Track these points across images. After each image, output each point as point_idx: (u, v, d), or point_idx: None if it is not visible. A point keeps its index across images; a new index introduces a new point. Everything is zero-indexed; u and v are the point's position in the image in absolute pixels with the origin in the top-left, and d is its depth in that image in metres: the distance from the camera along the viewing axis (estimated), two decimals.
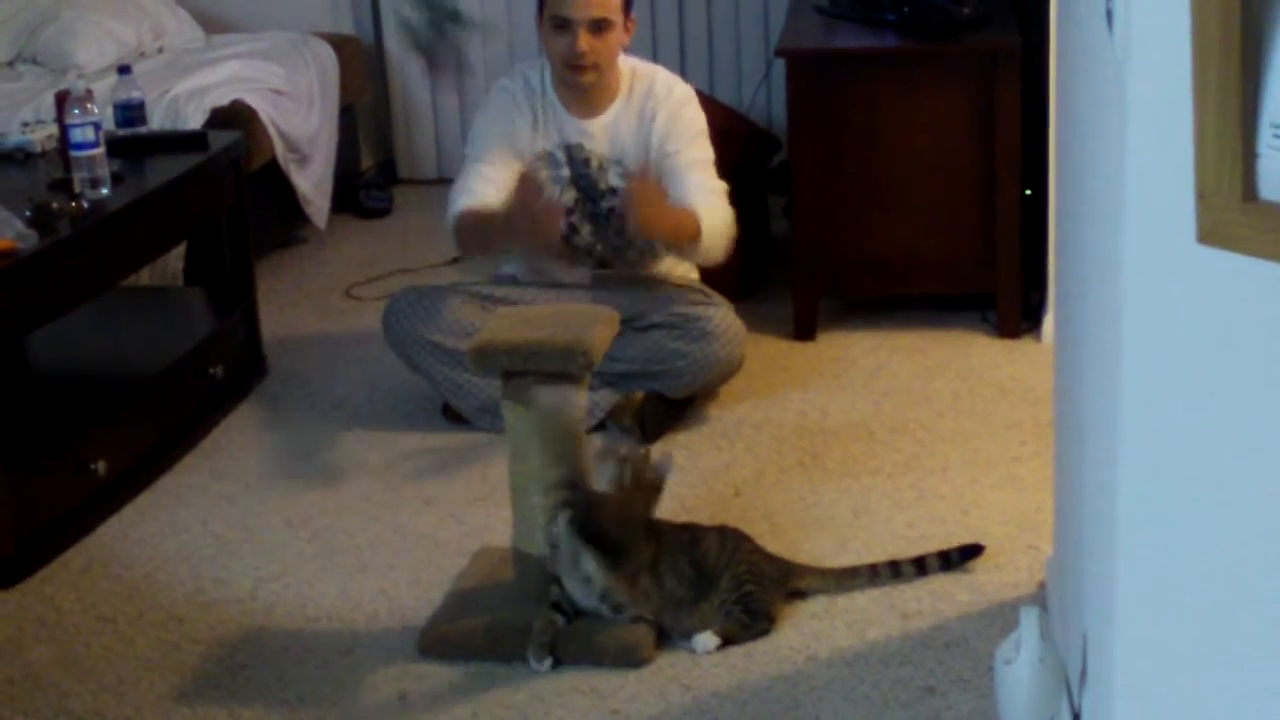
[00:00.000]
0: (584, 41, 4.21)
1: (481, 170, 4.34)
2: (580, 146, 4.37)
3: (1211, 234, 1.46)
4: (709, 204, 4.25)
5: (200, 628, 3.46)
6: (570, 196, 4.40)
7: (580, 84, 4.29)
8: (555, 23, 4.24)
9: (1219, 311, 1.60)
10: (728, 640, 3.27)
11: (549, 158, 4.39)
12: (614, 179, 4.38)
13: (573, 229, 4.42)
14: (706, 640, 3.26)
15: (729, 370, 4.33)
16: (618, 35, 4.27)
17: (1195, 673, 1.76)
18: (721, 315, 4.30)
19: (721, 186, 4.35)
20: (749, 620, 3.29)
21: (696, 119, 4.38)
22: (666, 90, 4.37)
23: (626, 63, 4.40)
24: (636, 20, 4.38)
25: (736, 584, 3.30)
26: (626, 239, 4.39)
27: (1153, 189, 1.60)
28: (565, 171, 4.38)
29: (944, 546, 3.57)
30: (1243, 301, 1.58)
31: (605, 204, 4.40)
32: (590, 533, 3.22)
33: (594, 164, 4.37)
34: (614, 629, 3.27)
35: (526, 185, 4.13)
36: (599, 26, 4.22)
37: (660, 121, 4.33)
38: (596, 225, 4.43)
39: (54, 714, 3.17)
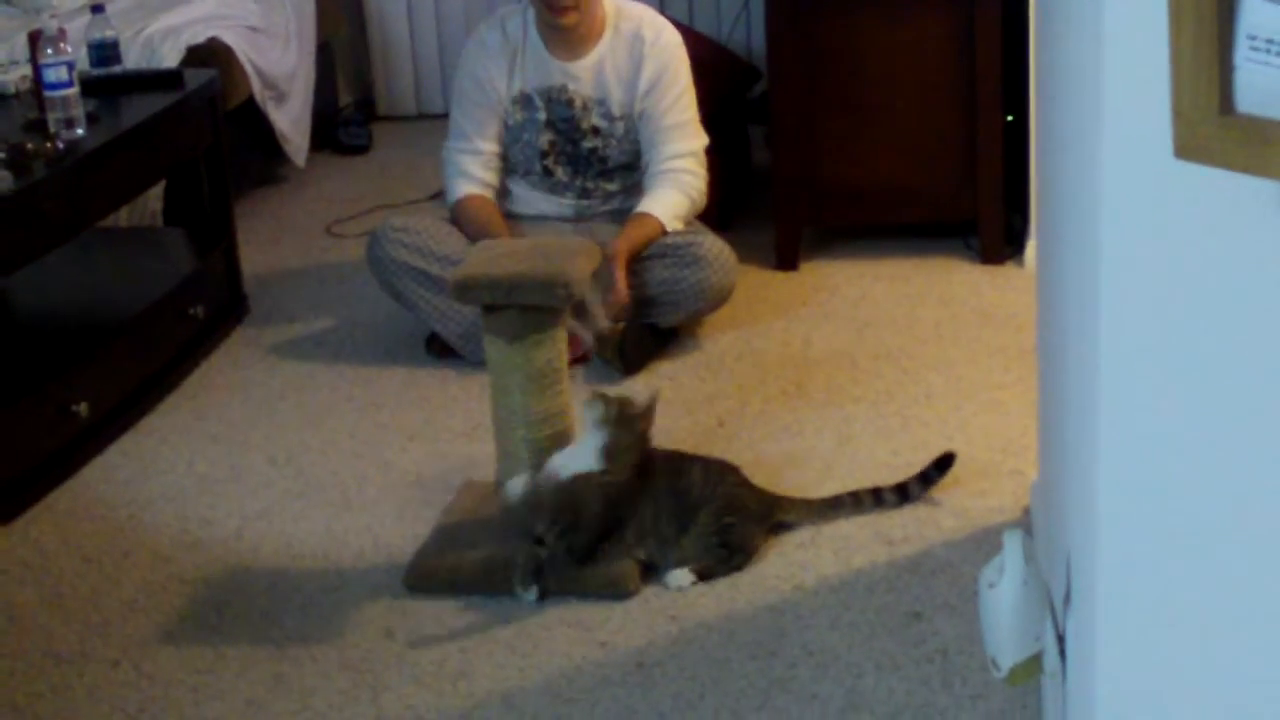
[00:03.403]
0: None
1: (469, 146, 4.43)
2: (564, 88, 4.35)
3: (1189, 149, 1.45)
4: (669, 191, 4.32)
5: (185, 567, 3.46)
6: (546, 139, 4.39)
7: (562, 25, 4.27)
8: None
9: (1197, 227, 1.59)
10: (703, 576, 3.27)
11: (525, 100, 4.38)
12: (596, 119, 4.36)
13: (547, 171, 4.42)
14: (681, 576, 3.26)
15: (722, 296, 4.33)
16: None
17: (1178, 592, 1.76)
18: (711, 242, 4.30)
19: (697, 149, 4.39)
20: (725, 554, 3.29)
21: (681, 73, 4.36)
22: (655, 35, 4.34)
23: (611, 2, 4.36)
24: None
25: (715, 517, 3.29)
26: (605, 179, 4.41)
27: (1129, 105, 1.59)
28: (541, 115, 4.37)
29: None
30: (1221, 216, 1.57)
31: (586, 144, 4.39)
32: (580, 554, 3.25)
33: (577, 105, 4.36)
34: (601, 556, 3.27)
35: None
36: None
37: (647, 74, 4.31)
38: (575, 166, 4.42)
39: (40, 656, 3.16)
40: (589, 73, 4.34)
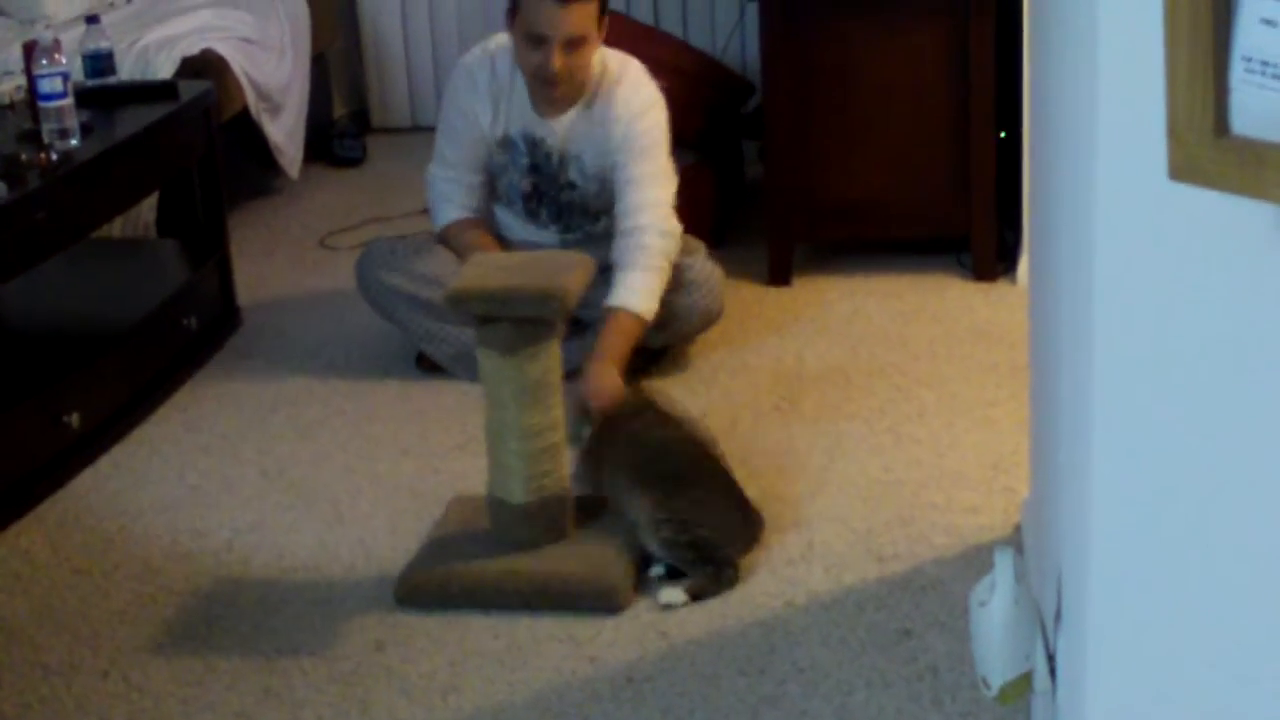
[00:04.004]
0: (558, 60, 4.09)
1: (453, 175, 4.37)
2: (543, 140, 4.30)
3: (1184, 170, 1.45)
4: (638, 274, 4.10)
5: (176, 579, 3.45)
6: (529, 183, 4.36)
7: (550, 97, 4.22)
8: (531, 40, 4.11)
9: (1192, 248, 1.59)
10: (695, 596, 3.27)
11: (510, 144, 4.33)
12: (573, 174, 4.31)
13: (531, 214, 4.40)
14: (673, 594, 3.26)
15: (710, 319, 4.32)
16: (592, 46, 4.16)
17: (1169, 612, 1.76)
18: (701, 264, 4.28)
19: (665, 198, 4.21)
20: (714, 571, 3.29)
21: (652, 130, 4.23)
22: (628, 97, 4.22)
23: (599, 56, 4.24)
24: (608, 20, 4.21)
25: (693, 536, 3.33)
26: (590, 221, 4.38)
27: (1125, 126, 1.59)
28: (525, 159, 4.33)
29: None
30: (1216, 237, 1.57)
31: (565, 196, 4.36)
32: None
33: (554, 159, 4.31)
34: (592, 570, 3.28)
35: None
36: (575, 44, 4.10)
37: (616, 134, 4.21)
38: (558, 209, 4.39)
39: (29, 667, 3.16)
40: (562, 129, 4.26)
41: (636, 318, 4.05)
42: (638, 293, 4.09)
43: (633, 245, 4.15)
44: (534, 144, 4.30)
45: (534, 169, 4.33)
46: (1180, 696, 1.79)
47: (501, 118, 4.30)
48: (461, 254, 4.24)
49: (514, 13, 4.17)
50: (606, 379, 3.82)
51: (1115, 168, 1.64)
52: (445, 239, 4.39)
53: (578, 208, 4.36)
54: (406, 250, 4.36)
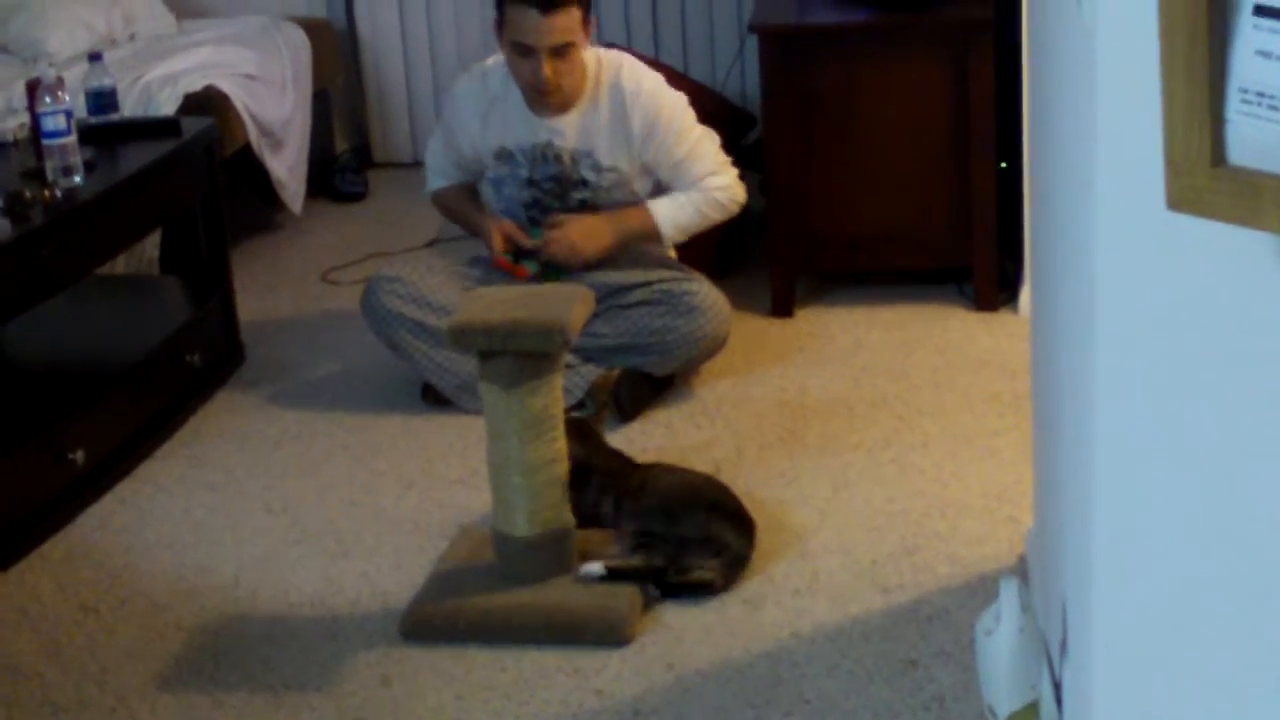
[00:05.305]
0: (548, 67, 4.17)
1: (445, 165, 4.62)
2: (549, 144, 4.34)
3: (1182, 201, 1.46)
4: (678, 196, 4.39)
5: (183, 615, 3.46)
6: (529, 194, 4.40)
7: (547, 103, 4.28)
8: (518, 49, 4.19)
9: (1191, 278, 1.60)
10: (614, 572, 3.34)
11: (506, 155, 4.38)
12: (585, 172, 4.35)
13: (534, 222, 4.42)
14: (592, 567, 3.35)
15: (716, 345, 4.33)
16: (580, 49, 4.23)
17: (1174, 641, 1.77)
18: (706, 290, 4.30)
19: (716, 165, 4.40)
20: (643, 559, 3.38)
21: (673, 113, 4.34)
22: (635, 85, 4.31)
23: (591, 53, 4.33)
24: (596, 19, 4.32)
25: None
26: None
27: (1123, 157, 1.60)
28: (524, 172, 4.38)
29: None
30: (1214, 267, 1.58)
31: (576, 196, 4.39)
32: None
33: (565, 160, 4.35)
34: (597, 602, 3.28)
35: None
36: (562, 51, 4.17)
37: (636, 127, 4.30)
38: (566, 214, 4.41)
39: (37, 704, 3.16)
40: (572, 126, 4.32)
41: (654, 222, 4.37)
42: (669, 206, 4.38)
43: (691, 188, 4.39)
44: (536, 156, 4.35)
45: (534, 183, 4.37)
46: None
47: (496, 130, 4.36)
48: (454, 215, 4.60)
49: (501, 24, 4.25)
50: (593, 232, 4.33)
51: (1114, 197, 1.65)
52: (437, 199, 4.65)
53: (589, 209, 4.38)
54: (413, 278, 4.38)
